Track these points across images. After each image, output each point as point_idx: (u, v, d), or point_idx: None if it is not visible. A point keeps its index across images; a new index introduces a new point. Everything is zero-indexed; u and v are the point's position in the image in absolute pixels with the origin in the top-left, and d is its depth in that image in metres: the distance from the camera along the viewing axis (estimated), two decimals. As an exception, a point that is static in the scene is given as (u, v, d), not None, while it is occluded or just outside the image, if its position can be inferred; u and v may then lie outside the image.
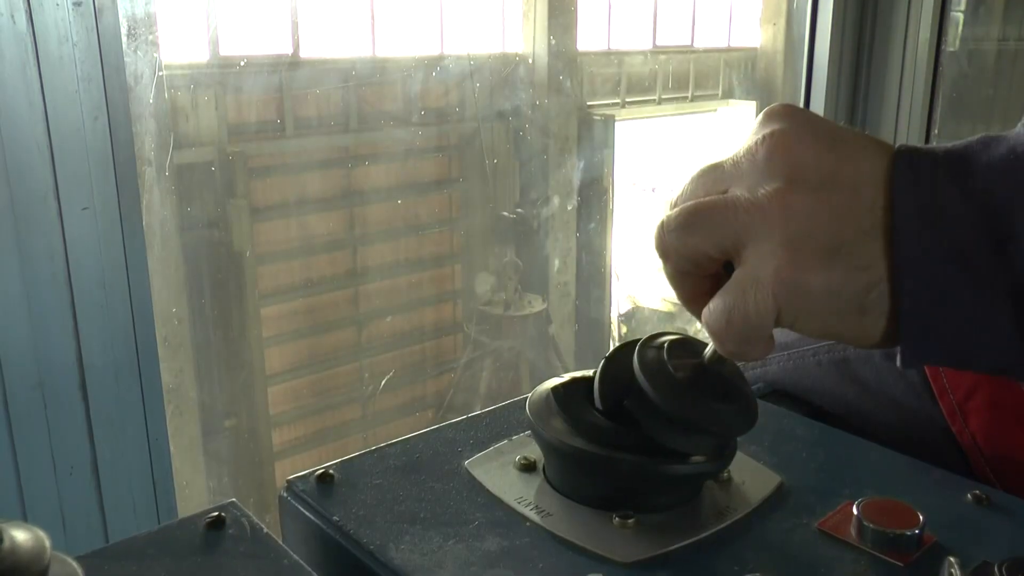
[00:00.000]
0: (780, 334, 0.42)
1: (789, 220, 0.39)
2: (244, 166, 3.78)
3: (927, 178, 0.39)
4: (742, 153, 0.42)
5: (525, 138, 4.60)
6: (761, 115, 0.43)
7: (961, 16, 2.09)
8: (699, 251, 0.43)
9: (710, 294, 0.43)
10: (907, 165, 0.40)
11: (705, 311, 0.43)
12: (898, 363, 0.41)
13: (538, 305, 4.40)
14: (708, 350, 0.46)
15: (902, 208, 0.39)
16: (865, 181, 0.40)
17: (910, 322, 0.39)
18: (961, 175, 0.39)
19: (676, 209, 0.43)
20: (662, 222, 0.44)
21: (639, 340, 0.48)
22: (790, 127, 0.41)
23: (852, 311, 0.40)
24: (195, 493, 3.48)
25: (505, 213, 4.20)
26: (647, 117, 5.17)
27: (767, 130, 0.42)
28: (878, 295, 0.40)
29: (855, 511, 0.47)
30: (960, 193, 0.39)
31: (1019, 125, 0.41)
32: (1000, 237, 0.38)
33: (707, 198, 0.43)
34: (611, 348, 0.51)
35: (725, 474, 0.52)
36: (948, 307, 0.39)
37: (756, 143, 0.42)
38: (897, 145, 0.41)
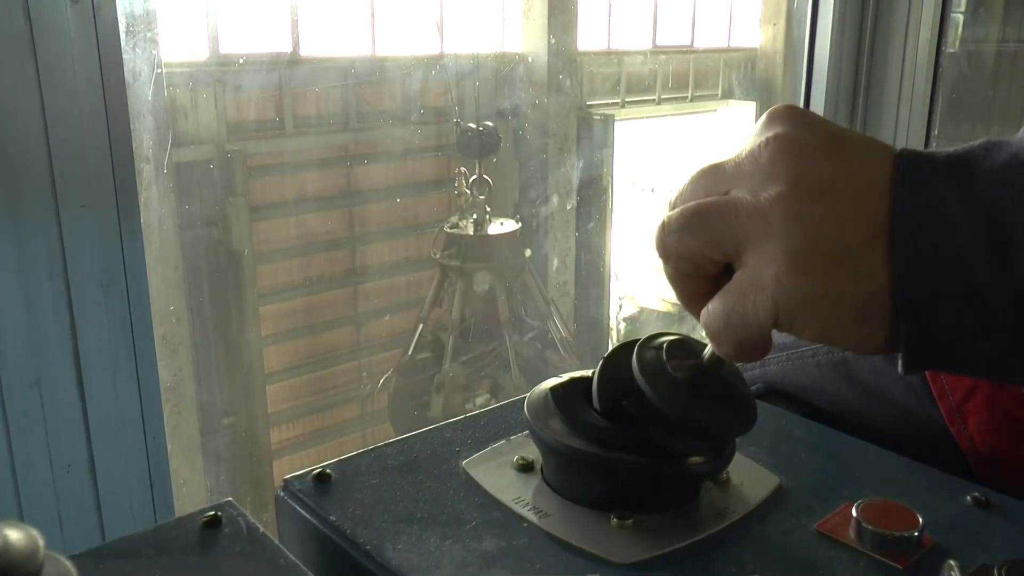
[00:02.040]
0: (779, 335, 0.42)
1: (791, 225, 0.39)
2: (243, 164, 3.78)
3: (927, 184, 0.39)
4: (744, 155, 0.42)
5: (524, 137, 4.59)
6: (764, 116, 0.43)
7: (961, 17, 2.10)
8: (699, 253, 0.42)
9: (709, 295, 0.43)
10: (908, 171, 0.40)
11: (704, 312, 0.43)
12: (899, 369, 0.41)
13: (511, 225, 4.09)
14: (707, 351, 0.46)
15: (901, 215, 0.39)
16: (867, 187, 0.40)
17: (909, 330, 0.39)
18: (962, 180, 0.39)
19: (677, 210, 0.43)
20: (663, 223, 0.43)
21: (637, 340, 0.48)
22: (794, 130, 0.41)
23: (852, 318, 0.40)
24: (193, 491, 3.48)
25: (472, 125, 3.87)
26: (647, 117, 5.17)
27: (770, 132, 0.41)
28: (879, 302, 0.39)
29: (854, 513, 0.46)
30: (960, 199, 0.38)
31: (1021, 130, 0.41)
32: (1000, 243, 0.37)
33: (708, 199, 0.42)
34: (609, 348, 0.50)
35: (724, 475, 0.52)
36: (947, 314, 0.38)
37: (759, 145, 0.41)
38: (900, 149, 0.41)
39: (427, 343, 4.17)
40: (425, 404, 4.04)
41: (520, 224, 4.19)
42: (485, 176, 3.95)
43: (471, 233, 4.03)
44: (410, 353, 4.16)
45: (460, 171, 3.97)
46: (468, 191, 3.95)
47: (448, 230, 4.09)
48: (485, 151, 3.94)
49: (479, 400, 4.05)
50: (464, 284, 4.12)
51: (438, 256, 4.13)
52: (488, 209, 4.01)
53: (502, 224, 4.09)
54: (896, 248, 0.39)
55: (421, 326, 4.15)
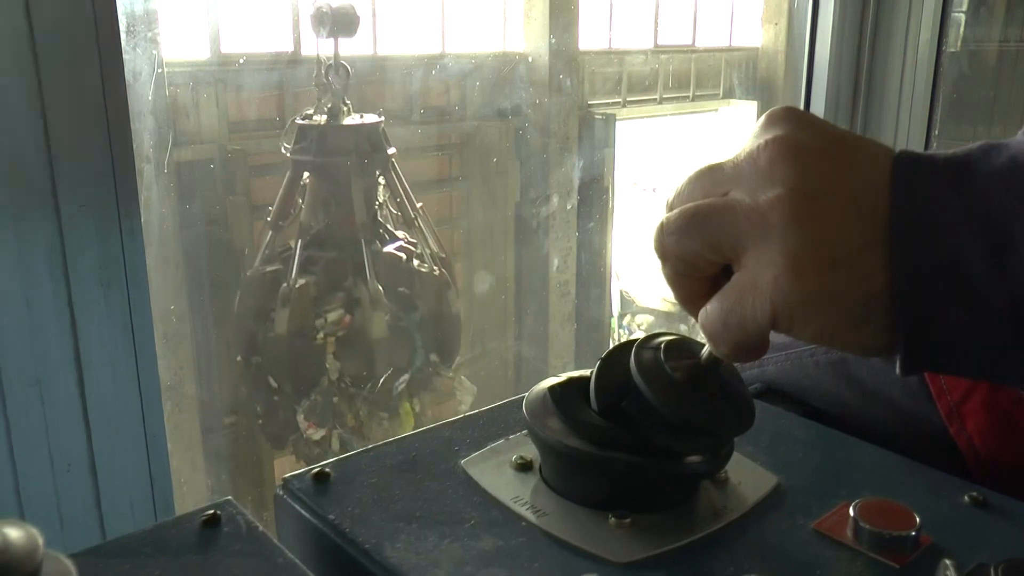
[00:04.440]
0: (778, 334, 0.42)
1: (790, 228, 0.39)
2: (244, 164, 3.78)
3: (926, 186, 0.39)
4: (743, 156, 0.42)
5: (525, 137, 4.58)
6: (763, 118, 0.43)
7: (962, 17, 2.10)
8: (698, 254, 0.42)
9: (708, 295, 0.43)
10: (906, 173, 0.40)
11: (702, 313, 0.43)
12: (897, 371, 0.41)
13: (372, 118, 3.55)
14: (704, 351, 0.46)
15: (900, 217, 0.39)
16: (866, 190, 0.40)
17: (907, 332, 0.39)
18: (960, 183, 0.39)
19: (676, 211, 0.43)
20: (661, 224, 0.44)
21: (635, 341, 0.48)
22: (792, 133, 0.41)
23: (851, 320, 0.40)
24: (194, 490, 3.48)
25: (327, 2, 3.36)
26: (648, 116, 5.17)
27: (769, 135, 0.41)
28: (877, 305, 0.39)
29: (852, 512, 0.47)
30: (958, 201, 0.38)
31: (1020, 132, 0.41)
32: (998, 246, 0.37)
33: (707, 201, 0.42)
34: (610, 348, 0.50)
35: (722, 474, 0.52)
36: (944, 317, 0.39)
37: (758, 148, 0.41)
38: (898, 151, 0.41)
39: (278, 254, 3.62)
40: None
41: (383, 118, 3.62)
42: (343, 62, 3.44)
43: (322, 122, 3.46)
44: (257, 264, 3.58)
45: (317, 57, 3.47)
46: (325, 79, 3.44)
47: (300, 121, 3.53)
48: (341, 30, 3.41)
49: (331, 316, 3.54)
50: (316, 182, 3.55)
51: (288, 151, 3.56)
52: (347, 102, 3.47)
53: (362, 117, 3.55)
54: (895, 251, 0.39)
55: (271, 233, 3.58)
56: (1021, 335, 0.38)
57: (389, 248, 3.67)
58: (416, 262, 3.74)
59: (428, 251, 3.78)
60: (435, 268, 3.78)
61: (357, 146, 3.54)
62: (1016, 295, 0.37)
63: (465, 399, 4.04)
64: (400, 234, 3.73)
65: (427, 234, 3.78)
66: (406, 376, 3.73)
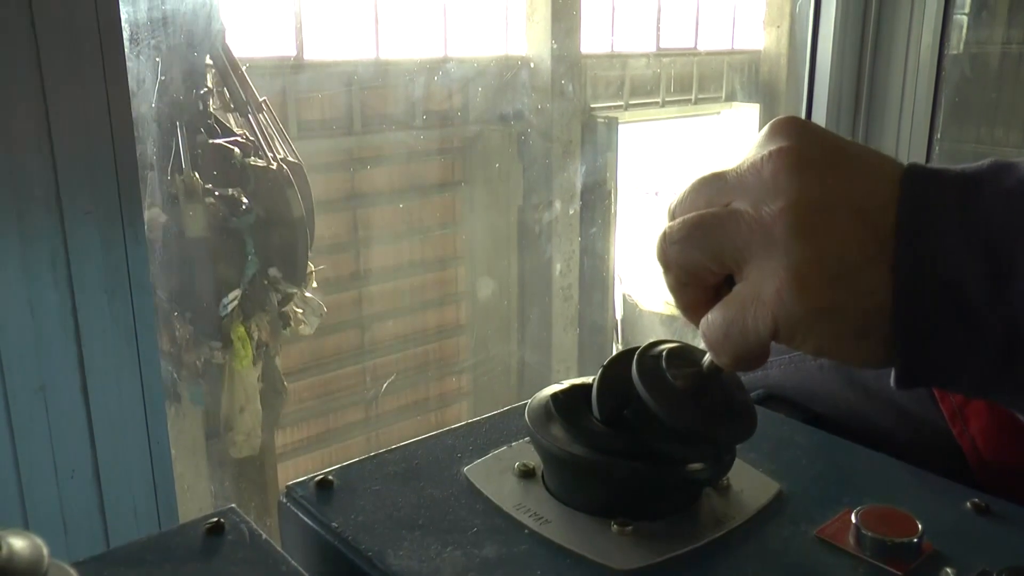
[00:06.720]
0: (782, 338, 0.42)
1: (793, 241, 0.39)
2: (246, 168, 3.76)
3: (933, 205, 0.39)
4: (746, 167, 0.42)
5: (527, 141, 4.59)
6: (767, 128, 0.43)
7: (965, 19, 2.09)
8: (700, 264, 0.42)
9: (710, 305, 0.43)
10: (914, 190, 0.39)
11: (703, 322, 0.43)
12: (891, 383, 0.41)
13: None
14: (706, 359, 0.46)
15: (903, 235, 0.39)
16: (871, 204, 0.39)
17: (903, 348, 0.39)
18: (967, 204, 0.39)
19: (679, 220, 0.43)
20: (664, 233, 0.44)
21: (637, 348, 0.48)
22: (796, 144, 0.41)
23: (851, 333, 0.40)
24: (197, 496, 3.48)
25: None
26: (650, 120, 5.17)
27: (773, 146, 0.41)
28: (878, 320, 0.39)
29: (854, 519, 0.47)
30: (964, 223, 0.38)
31: None
32: (998, 273, 0.37)
33: (710, 210, 0.42)
34: (613, 353, 0.51)
35: (724, 481, 0.52)
36: (941, 336, 0.39)
37: (762, 158, 0.41)
38: (907, 165, 0.41)
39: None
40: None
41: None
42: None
43: (162, 7, 2.80)
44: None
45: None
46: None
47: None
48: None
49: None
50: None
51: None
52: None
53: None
54: (898, 268, 0.39)
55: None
56: (1014, 359, 0.38)
57: (218, 140, 3.01)
58: (252, 159, 3.09)
59: (270, 153, 3.13)
60: (272, 164, 3.12)
61: (193, 34, 2.91)
62: (1012, 321, 0.37)
63: (311, 320, 3.33)
64: (240, 132, 3.09)
65: (274, 133, 3.16)
66: (237, 292, 3.05)
